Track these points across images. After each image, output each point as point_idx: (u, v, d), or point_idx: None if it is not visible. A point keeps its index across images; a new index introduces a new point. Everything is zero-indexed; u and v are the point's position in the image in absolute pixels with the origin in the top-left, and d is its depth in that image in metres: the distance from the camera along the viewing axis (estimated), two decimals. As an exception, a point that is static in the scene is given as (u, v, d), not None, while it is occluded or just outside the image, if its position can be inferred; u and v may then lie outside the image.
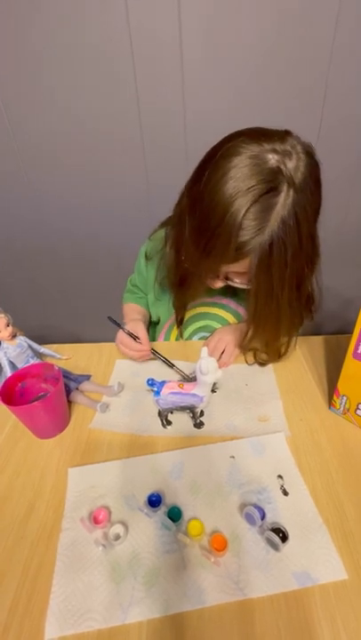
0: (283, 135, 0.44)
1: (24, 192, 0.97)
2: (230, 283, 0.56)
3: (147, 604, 0.37)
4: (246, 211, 0.42)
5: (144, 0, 0.71)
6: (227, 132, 0.47)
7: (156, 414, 0.56)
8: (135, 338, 0.63)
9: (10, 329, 0.58)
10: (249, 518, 0.42)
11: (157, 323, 0.82)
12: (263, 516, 0.42)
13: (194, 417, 0.55)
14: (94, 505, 0.45)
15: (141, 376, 0.61)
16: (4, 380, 0.53)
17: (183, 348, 0.71)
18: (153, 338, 0.87)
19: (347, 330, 0.53)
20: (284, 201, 0.43)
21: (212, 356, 0.55)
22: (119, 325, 0.65)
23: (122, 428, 0.55)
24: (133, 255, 0.79)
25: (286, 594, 0.37)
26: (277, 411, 0.57)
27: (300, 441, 0.52)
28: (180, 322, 0.72)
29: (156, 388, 0.53)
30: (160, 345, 0.76)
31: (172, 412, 0.56)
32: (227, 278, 0.56)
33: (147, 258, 0.73)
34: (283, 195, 0.43)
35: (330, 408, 0.57)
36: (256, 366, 0.65)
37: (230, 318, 0.73)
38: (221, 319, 0.73)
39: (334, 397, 0.55)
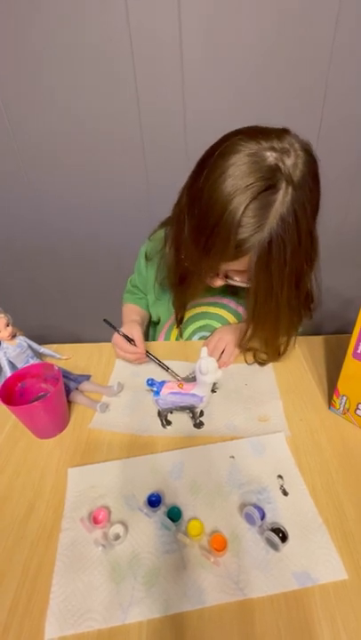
0: (281, 133, 0.44)
1: (24, 192, 0.97)
2: (230, 281, 0.56)
3: (147, 604, 0.37)
4: (245, 208, 0.42)
5: (144, 0, 0.71)
6: (227, 132, 0.47)
7: (156, 414, 0.56)
8: (130, 340, 0.63)
9: (10, 329, 0.58)
10: (249, 518, 0.42)
11: (157, 323, 0.82)
12: (263, 516, 0.42)
13: (194, 417, 0.55)
14: (94, 505, 0.45)
15: (141, 376, 0.61)
16: (3, 380, 0.53)
17: (183, 347, 0.71)
18: (153, 338, 0.87)
19: (347, 330, 0.53)
20: (282, 198, 0.43)
21: (212, 355, 0.55)
22: (114, 328, 0.65)
23: (122, 428, 0.55)
24: (133, 255, 0.79)
25: (286, 594, 0.37)
26: (277, 411, 0.57)
27: (300, 441, 0.52)
28: (179, 321, 0.72)
29: (155, 388, 0.53)
30: (160, 345, 0.76)
31: (171, 412, 0.55)
32: (226, 277, 0.56)
33: (147, 258, 0.73)
34: (281, 192, 0.43)
35: (330, 408, 0.57)
36: (256, 366, 0.65)
37: (230, 318, 0.73)
38: (221, 319, 0.73)
39: (334, 397, 0.55)
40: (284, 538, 0.40)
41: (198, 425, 0.55)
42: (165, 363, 0.64)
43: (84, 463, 0.50)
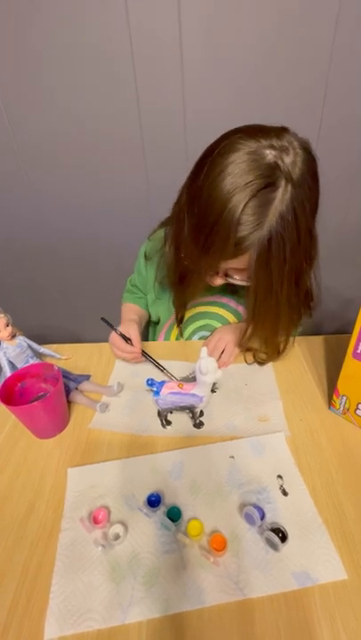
0: (280, 131, 0.44)
1: (24, 192, 0.97)
2: (230, 280, 0.56)
3: (146, 604, 0.37)
4: (245, 206, 0.42)
5: (144, 0, 0.71)
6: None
7: (156, 414, 0.56)
8: (127, 339, 0.63)
9: (9, 329, 0.58)
10: (248, 518, 0.42)
11: (157, 322, 0.82)
12: (263, 516, 0.42)
13: (193, 417, 0.55)
14: (94, 505, 0.45)
15: (141, 376, 0.61)
16: (3, 380, 0.53)
17: (183, 347, 0.71)
18: (153, 338, 0.87)
19: (347, 330, 0.53)
20: (282, 196, 0.43)
21: (211, 355, 0.56)
22: (112, 326, 0.65)
23: (121, 428, 0.55)
24: (133, 255, 0.79)
25: (286, 594, 0.37)
26: (277, 411, 0.57)
27: (299, 441, 0.52)
28: (179, 320, 0.72)
29: (155, 388, 0.53)
30: (160, 345, 0.76)
31: (171, 412, 0.55)
32: (226, 275, 0.56)
33: (146, 258, 0.73)
34: (281, 190, 0.43)
35: (330, 408, 0.57)
36: (256, 366, 0.65)
37: (230, 317, 0.73)
38: (221, 318, 0.73)
39: (334, 397, 0.55)
40: (283, 538, 0.40)
41: (198, 425, 0.55)
42: (165, 363, 0.64)
43: (83, 463, 0.50)
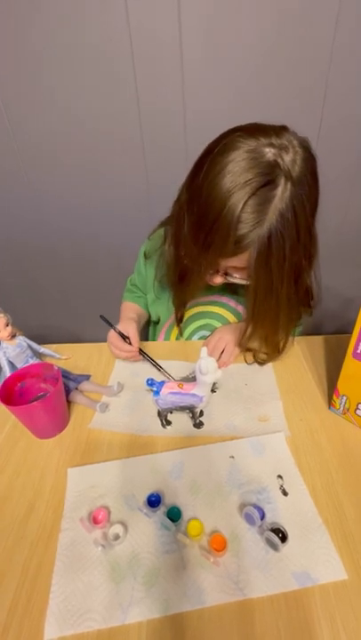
0: (279, 130, 0.44)
1: (24, 192, 0.97)
2: (230, 278, 0.56)
3: (146, 604, 0.37)
4: (244, 204, 0.43)
5: (144, 0, 0.71)
6: (226, 131, 0.47)
7: (156, 414, 0.56)
8: (125, 338, 0.63)
9: (9, 329, 0.58)
10: (248, 518, 0.42)
11: (157, 322, 0.82)
12: (263, 516, 0.42)
13: (193, 417, 0.55)
14: (94, 505, 0.45)
15: (141, 376, 0.61)
16: (3, 380, 0.53)
17: (183, 347, 0.71)
18: (153, 337, 0.87)
19: (347, 329, 0.53)
20: (281, 194, 0.43)
21: (211, 355, 0.55)
22: (110, 325, 0.65)
23: (121, 428, 0.55)
24: (133, 255, 0.79)
25: (286, 594, 0.37)
26: (277, 411, 0.57)
27: (299, 441, 0.52)
28: (179, 320, 0.72)
29: (155, 388, 0.53)
30: (160, 345, 0.76)
31: (171, 412, 0.55)
32: (226, 274, 0.56)
33: (145, 257, 0.73)
34: (280, 188, 0.43)
35: (330, 408, 0.57)
36: (256, 366, 0.65)
37: (230, 317, 0.73)
38: (221, 318, 0.73)
39: (334, 397, 0.55)
40: (283, 538, 0.40)
41: (198, 425, 0.55)
42: (165, 363, 0.64)
43: (83, 463, 0.50)
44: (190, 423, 0.55)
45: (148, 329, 0.88)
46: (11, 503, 0.46)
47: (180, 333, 0.75)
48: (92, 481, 0.48)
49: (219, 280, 0.57)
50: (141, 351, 0.64)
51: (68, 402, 0.59)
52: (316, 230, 0.50)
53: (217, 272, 0.56)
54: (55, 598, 0.37)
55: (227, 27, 0.74)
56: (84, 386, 0.61)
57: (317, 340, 0.71)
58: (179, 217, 0.52)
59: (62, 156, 0.90)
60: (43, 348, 0.64)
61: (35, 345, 0.63)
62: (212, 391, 0.59)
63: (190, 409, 0.54)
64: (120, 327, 0.65)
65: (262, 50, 0.76)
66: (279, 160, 0.42)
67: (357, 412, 0.52)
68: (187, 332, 0.76)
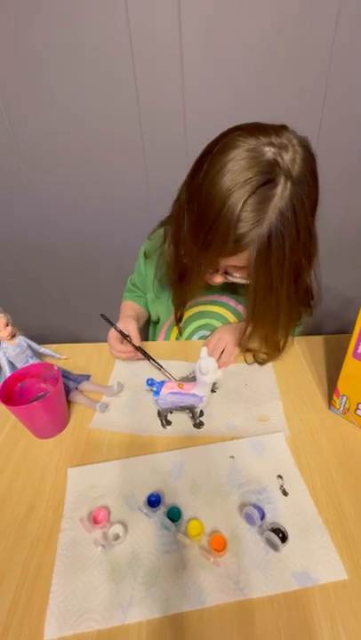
0: (279, 129, 0.44)
1: (24, 192, 0.97)
2: (229, 278, 0.56)
3: (146, 605, 0.37)
4: (244, 203, 0.43)
5: (144, 0, 0.71)
6: (226, 131, 0.47)
7: (156, 414, 0.56)
8: (126, 336, 0.63)
9: (9, 329, 0.58)
10: (248, 518, 0.42)
11: (157, 322, 0.82)
12: (263, 516, 0.42)
13: (193, 417, 0.55)
14: (94, 505, 0.45)
15: (141, 376, 0.61)
16: (3, 380, 0.53)
17: (183, 347, 0.71)
18: (153, 337, 0.87)
19: (347, 329, 0.53)
20: (281, 193, 0.43)
21: (211, 355, 0.56)
22: (111, 323, 0.65)
23: (121, 428, 0.55)
24: (133, 255, 0.79)
25: (286, 594, 0.37)
26: (277, 411, 0.57)
27: (299, 441, 0.52)
28: (179, 319, 0.72)
29: (155, 388, 0.53)
30: (160, 345, 0.76)
31: (171, 412, 0.55)
32: (226, 273, 0.56)
33: (145, 256, 0.73)
34: (280, 187, 0.43)
35: (330, 408, 0.57)
36: (256, 366, 0.65)
37: (230, 316, 0.73)
38: (221, 317, 0.73)
39: (334, 397, 0.55)
40: (283, 538, 0.40)
41: (198, 425, 0.55)
42: (165, 362, 0.64)
43: (83, 463, 0.50)
44: (190, 423, 0.55)
45: (147, 329, 0.88)
46: (11, 503, 0.46)
47: (180, 333, 0.75)
48: (92, 481, 0.48)
49: (219, 279, 0.57)
50: (142, 350, 0.64)
51: (68, 402, 0.59)
52: (315, 229, 0.50)
53: (217, 271, 0.56)
54: (55, 598, 0.37)
55: (227, 27, 0.74)
56: (84, 386, 0.61)
57: (317, 340, 0.71)
58: (179, 216, 0.52)
59: (62, 156, 0.90)
60: (43, 348, 0.64)
61: (35, 345, 0.63)
62: (212, 391, 0.59)
63: (190, 409, 0.54)
64: (120, 325, 0.65)
65: (262, 50, 0.76)
66: (279, 159, 0.43)
67: (357, 412, 0.52)
68: (187, 332, 0.76)
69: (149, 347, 0.68)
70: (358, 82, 0.80)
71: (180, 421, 0.56)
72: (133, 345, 0.63)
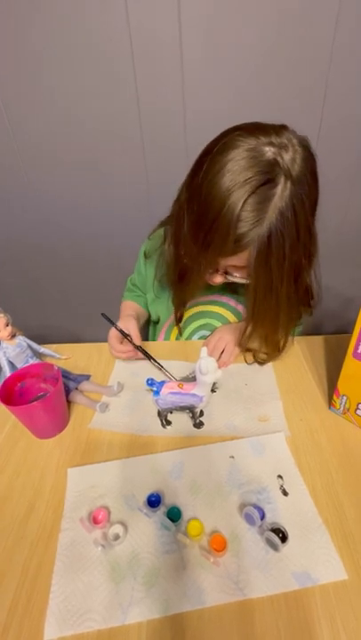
0: (279, 129, 0.44)
1: (24, 192, 0.97)
2: (229, 277, 0.56)
3: (146, 605, 0.37)
4: (244, 202, 0.43)
5: (144, 0, 0.71)
6: (226, 131, 0.47)
7: (156, 414, 0.56)
8: (127, 335, 0.63)
9: (9, 329, 0.58)
10: (248, 518, 0.42)
11: (157, 322, 0.82)
12: (263, 517, 0.42)
13: (193, 417, 0.55)
14: (94, 505, 0.45)
15: (141, 376, 0.61)
16: (3, 380, 0.53)
17: (183, 347, 0.71)
18: (153, 337, 0.87)
19: (347, 329, 0.53)
20: (281, 192, 0.43)
21: (211, 355, 0.56)
22: (112, 322, 0.65)
23: (121, 428, 0.55)
24: (133, 255, 0.79)
25: (286, 594, 0.37)
26: (277, 411, 0.57)
27: (299, 441, 0.52)
28: (179, 319, 0.72)
29: (155, 388, 0.53)
30: (160, 345, 0.76)
31: (171, 412, 0.55)
32: (226, 273, 0.56)
33: (145, 256, 0.73)
34: (280, 186, 0.43)
35: (330, 408, 0.57)
36: (256, 366, 0.65)
37: (230, 316, 0.73)
38: (221, 317, 0.73)
39: (334, 397, 0.55)
40: (283, 538, 0.40)
41: (198, 425, 0.55)
42: (165, 362, 0.64)
43: (83, 463, 0.50)
44: (190, 423, 0.55)
45: (148, 329, 0.88)
46: (11, 503, 0.46)
47: (180, 333, 0.75)
48: (92, 481, 0.48)
49: (218, 279, 0.57)
50: (142, 349, 0.64)
51: (68, 402, 0.59)
52: (315, 229, 0.50)
53: (217, 271, 0.56)
54: (55, 598, 0.37)
55: (227, 27, 0.74)
56: (84, 386, 0.61)
57: (317, 340, 0.71)
58: (179, 216, 0.52)
59: (62, 156, 0.90)
60: (43, 348, 0.64)
61: (35, 345, 0.63)
62: (212, 391, 0.59)
63: (190, 409, 0.54)
64: (120, 325, 0.65)
65: (262, 50, 0.76)
66: (279, 159, 0.43)
67: (357, 411, 0.52)
68: (187, 332, 0.76)
69: (149, 347, 0.68)
70: (358, 82, 0.80)
71: (180, 421, 0.56)
72: (134, 344, 0.64)
